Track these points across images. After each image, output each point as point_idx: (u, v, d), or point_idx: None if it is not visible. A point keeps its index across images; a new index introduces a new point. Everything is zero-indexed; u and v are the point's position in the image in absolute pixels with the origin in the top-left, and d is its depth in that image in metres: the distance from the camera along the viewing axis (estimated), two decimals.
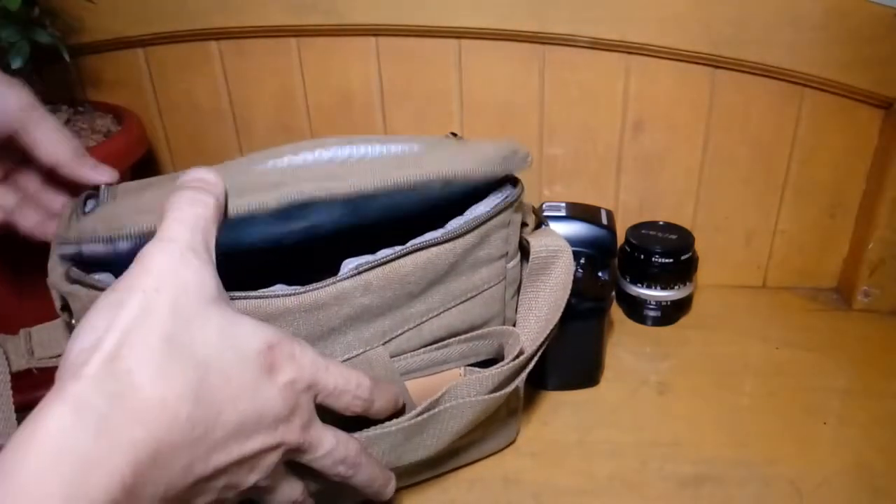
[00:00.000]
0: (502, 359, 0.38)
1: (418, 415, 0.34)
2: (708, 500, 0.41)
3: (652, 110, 0.58)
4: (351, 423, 0.33)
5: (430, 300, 0.35)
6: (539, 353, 0.39)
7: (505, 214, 0.37)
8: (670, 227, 0.58)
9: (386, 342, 0.35)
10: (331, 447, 0.31)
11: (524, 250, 0.41)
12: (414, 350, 0.36)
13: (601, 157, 0.60)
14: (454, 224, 0.35)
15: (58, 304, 0.32)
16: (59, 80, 0.57)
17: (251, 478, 0.28)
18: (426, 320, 0.36)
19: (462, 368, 0.38)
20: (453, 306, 0.36)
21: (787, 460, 0.43)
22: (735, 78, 0.55)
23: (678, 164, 0.59)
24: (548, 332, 0.39)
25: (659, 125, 0.58)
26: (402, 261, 0.33)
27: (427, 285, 0.35)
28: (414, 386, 0.36)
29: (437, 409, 0.34)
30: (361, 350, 0.34)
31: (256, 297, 0.31)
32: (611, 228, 0.51)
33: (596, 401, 0.49)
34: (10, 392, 0.32)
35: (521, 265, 0.41)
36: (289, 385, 0.29)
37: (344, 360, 0.34)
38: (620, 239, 0.56)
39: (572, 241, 0.43)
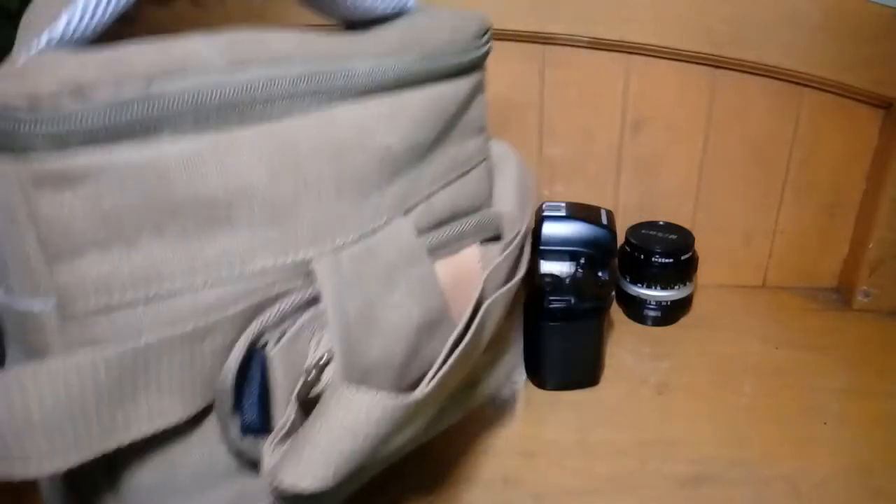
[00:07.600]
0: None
1: (469, 321, 0.33)
2: (707, 500, 0.41)
3: (652, 110, 0.58)
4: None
5: (435, 163, 0.36)
6: (528, 240, 0.41)
7: (479, 75, 0.38)
8: (670, 227, 0.58)
9: (406, 212, 0.34)
10: None
11: None
12: (430, 229, 0.36)
13: (601, 157, 0.60)
14: None
15: None
16: None
17: None
18: (435, 191, 0.36)
19: (478, 244, 0.39)
20: (454, 179, 0.37)
21: (786, 460, 0.43)
22: (735, 78, 0.55)
23: (678, 164, 0.59)
24: (526, 225, 0.41)
25: (659, 125, 0.58)
26: (412, 93, 0.33)
27: (435, 136, 0.35)
28: (440, 269, 0.36)
29: (483, 308, 0.34)
30: (386, 217, 0.33)
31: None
32: (611, 228, 0.51)
33: (595, 401, 0.49)
34: None
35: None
36: None
37: (373, 231, 0.33)
38: (620, 239, 0.56)
39: (572, 241, 0.43)
